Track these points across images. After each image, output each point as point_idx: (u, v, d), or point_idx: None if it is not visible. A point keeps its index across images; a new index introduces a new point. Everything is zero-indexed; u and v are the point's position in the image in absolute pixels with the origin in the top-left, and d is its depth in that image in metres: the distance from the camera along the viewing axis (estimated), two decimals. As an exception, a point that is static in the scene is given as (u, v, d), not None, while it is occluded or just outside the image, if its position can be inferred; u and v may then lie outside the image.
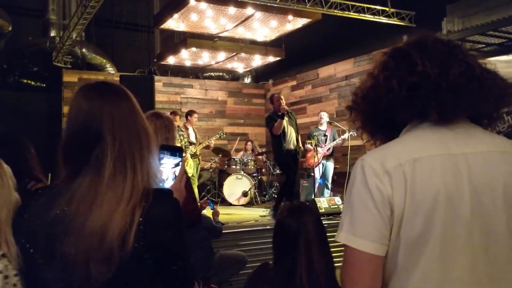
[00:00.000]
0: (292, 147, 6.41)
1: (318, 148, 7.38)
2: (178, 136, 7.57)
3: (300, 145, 6.76)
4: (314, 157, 7.26)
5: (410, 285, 1.05)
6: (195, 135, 8.16)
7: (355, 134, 7.34)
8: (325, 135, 7.59)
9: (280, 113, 6.20)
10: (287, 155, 6.36)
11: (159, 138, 2.51)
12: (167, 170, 1.28)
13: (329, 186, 7.62)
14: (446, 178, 1.04)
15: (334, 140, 7.65)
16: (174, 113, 7.88)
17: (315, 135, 7.54)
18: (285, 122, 6.30)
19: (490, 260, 1.05)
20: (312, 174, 7.51)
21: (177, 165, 1.29)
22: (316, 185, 7.40)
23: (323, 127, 7.68)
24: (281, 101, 6.22)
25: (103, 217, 1.00)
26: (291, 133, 6.42)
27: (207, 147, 8.38)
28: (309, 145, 7.57)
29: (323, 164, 7.54)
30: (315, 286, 1.85)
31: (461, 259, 1.04)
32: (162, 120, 2.59)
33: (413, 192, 1.03)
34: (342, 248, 1.09)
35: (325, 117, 7.68)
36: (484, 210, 1.05)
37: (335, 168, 8.02)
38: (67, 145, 1.09)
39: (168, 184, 1.28)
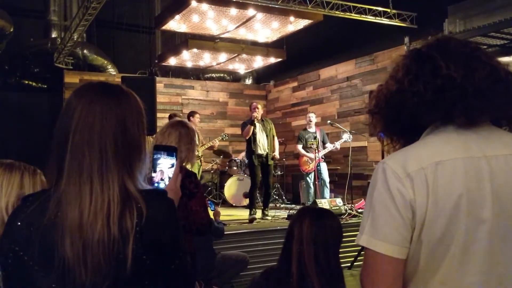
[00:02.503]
0: (261, 152, 6.82)
1: (311, 155, 7.36)
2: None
3: (276, 153, 7.07)
4: (314, 161, 7.24)
5: None
6: (198, 136, 8.14)
7: (350, 140, 7.37)
8: (315, 138, 7.56)
9: (251, 120, 6.80)
10: (256, 158, 6.80)
11: (182, 146, 2.53)
12: (164, 171, 1.28)
13: (328, 184, 7.60)
14: (468, 181, 1.04)
15: (323, 141, 7.65)
16: (175, 115, 7.75)
17: (305, 138, 7.55)
18: (257, 128, 6.84)
19: (508, 264, 1.05)
20: (307, 178, 7.58)
21: (173, 165, 1.28)
22: (317, 185, 7.39)
23: (312, 128, 7.67)
24: (256, 110, 6.76)
25: (90, 219, 1.00)
26: (260, 139, 6.85)
27: (211, 147, 8.37)
28: (301, 149, 7.57)
29: (317, 167, 7.51)
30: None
31: (481, 263, 1.04)
32: (187, 130, 2.63)
33: (435, 195, 1.03)
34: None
35: (313, 118, 7.69)
36: (505, 213, 1.05)
37: (336, 169, 8.01)
38: (52, 145, 1.08)
39: (160, 186, 1.27)
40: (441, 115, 1.10)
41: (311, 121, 7.64)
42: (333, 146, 7.51)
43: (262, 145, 6.83)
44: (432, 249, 1.04)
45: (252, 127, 6.77)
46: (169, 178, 1.28)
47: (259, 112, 6.80)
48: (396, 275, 1.05)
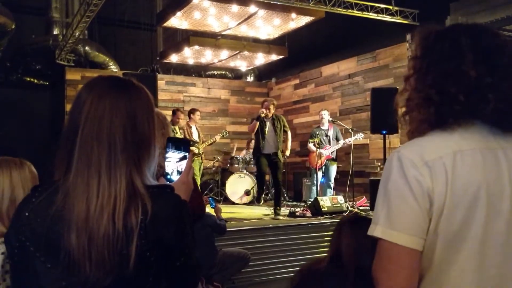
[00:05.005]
0: (268, 150, 6.68)
1: (321, 150, 7.36)
2: (173, 133, 7.57)
3: (286, 153, 7.02)
4: (317, 158, 7.24)
5: (446, 282, 1.03)
6: (198, 133, 8.14)
7: (361, 138, 7.37)
8: (327, 135, 7.56)
9: (258, 115, 6.71)
10: (262, 155, 6.71)
11: (157, 133, 2.55)
12: (171, 164, 1.26)
13: (332, 186, 7.61)
14: (487, 172, 1.02)
15: (336, 139, 7.63)
16: (178, 110, 7.86)
17: (317, 134, 7.53)
18: (267, 127, 6.69)
19: None
20: (315, 174, 7.51)
21: (182, 159, 1.25)
22: (318, 183, 7.40)
23: (325, 126, 7.66)
24: (266, 109, 6.61)
25: (96, 213, 0.99)
26: (269, 139, 6.70)
27: (212, 143, 8.37)
28: (311, 146, 7.55)
29: (325, 165, 7.53)
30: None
31: (499, 256, 1.02)
32: (157, 117, 2.64)
33: (454, 185, 1.00)
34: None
35: (326, 115, 7.67)
36: None
37: (338, 166, 7.99)
38: (62, 138, 1.08)
39: (173, 178, 1.25)
40: (489, 123, 1.08)
41: (323, 119, 7.63)
42: (343, 143, 7.50)
43: (270, 144, 6.69)
44: (449, 241, 1.01)
45: (258, 123, 6.63)
46: (178, 172, 1.25)
47: (269, 111, 6.65)
48: (413, 267, 1.02)
